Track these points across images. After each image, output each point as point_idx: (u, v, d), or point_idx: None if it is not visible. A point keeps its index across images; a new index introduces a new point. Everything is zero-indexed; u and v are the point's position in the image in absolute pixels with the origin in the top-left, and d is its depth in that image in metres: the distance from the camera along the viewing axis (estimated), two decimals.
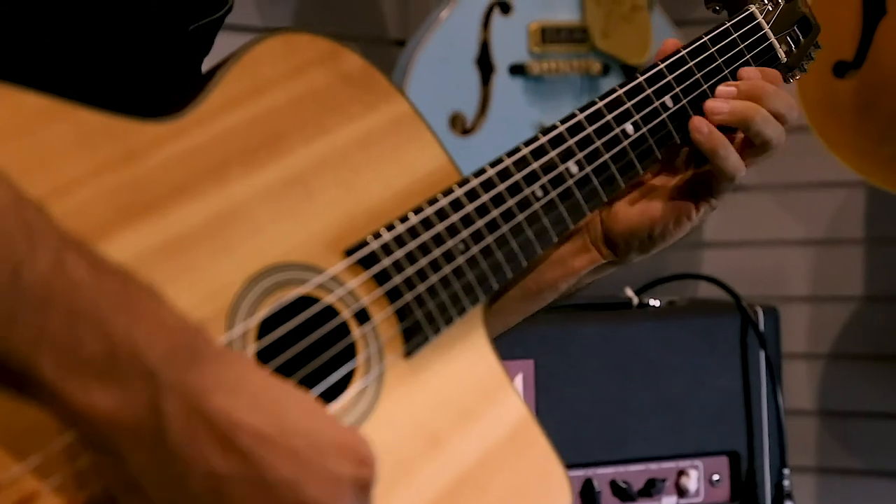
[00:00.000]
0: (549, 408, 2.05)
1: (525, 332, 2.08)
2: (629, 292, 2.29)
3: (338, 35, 3.28)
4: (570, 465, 2.09)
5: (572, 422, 2.07)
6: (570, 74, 2.70)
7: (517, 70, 2.67)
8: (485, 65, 2.67)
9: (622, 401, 2.11)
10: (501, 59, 2.67)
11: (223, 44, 1.04)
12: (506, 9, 2.68)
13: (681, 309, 2.27)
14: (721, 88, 1.18)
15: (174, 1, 1.05)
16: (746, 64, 1.21)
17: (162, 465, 0.77)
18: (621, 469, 2.12)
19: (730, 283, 2.30)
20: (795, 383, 2.85)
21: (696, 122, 1.16)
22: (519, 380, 2.04)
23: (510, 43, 2.67)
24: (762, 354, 2.21)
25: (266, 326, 0.92)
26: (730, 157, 1.17)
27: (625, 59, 2.70)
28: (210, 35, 1.11)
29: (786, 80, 1.27)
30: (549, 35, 2.69)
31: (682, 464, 2.16)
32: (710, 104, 1.17)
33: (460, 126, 2.64)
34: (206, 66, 1.05)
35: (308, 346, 0.93)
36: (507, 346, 2.08)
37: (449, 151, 1.06)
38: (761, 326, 2.22)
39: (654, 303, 2.27)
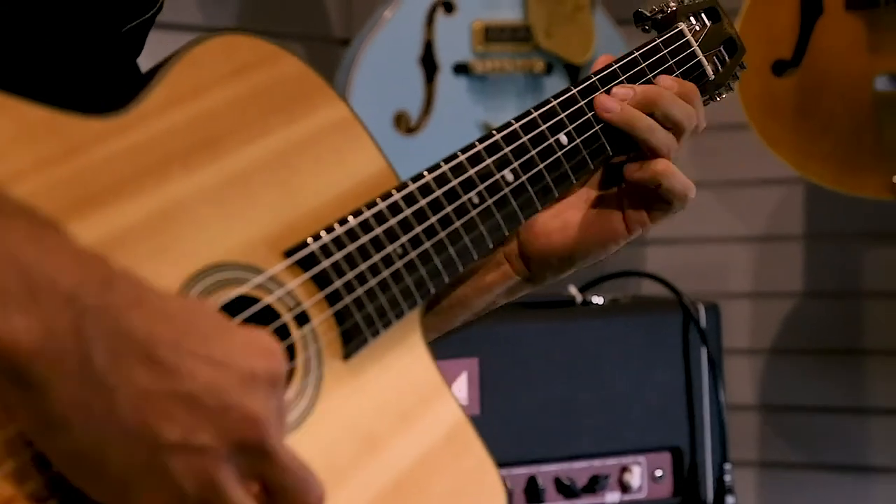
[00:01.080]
0: (493, 406, 2.06)
1: (469, 330, 2.09)
2: (573, 290, 2.31)
3: (282, 34, 3.26)
4: (514, 463, 2.12)
5: (516, 419, 2.08)
6: (513, 73, 2.71)
7: (461, 69, 2.68)
8: (429, 64, 2.67)
9: (566, 398, 2.12)
10: (445, 58, 2.68)
11: (165, 42, 1.04)
12: (449, 8, 2.69)
13: (624, 306, 2.29)
14: (617, 90, 1.17)
15: (106, 4, 1.05)
16: None
17: (89, 391, 0.77)
18: (565, 466, 2.13)
19: (672, 280, 2.32)
20: (737, 378, 2.88)
21: (602, 100, 1.16)
22: (463, 378, 2.04)
23: (454, 42, 2.68)
24: (704, 351, 2.23)
25: None
26: (655, 131, 1.16)
27: (568, 59, 2.72)
28: (142, 35, 1.11)
29: (712, 99, 1.29)
30: (492, 34, 2.70)
31: (625, 460, 2.18)
32: (601, 98, 1.16)
33: (405, 125, 2.64)
34: (144, 64, 1.05)
35: None
36: (451, 345, 2.09)
37: (387, 155, 1.06)
38: (703, 323, 2.24)
39: (598, 300, 2.29)
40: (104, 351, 0.78)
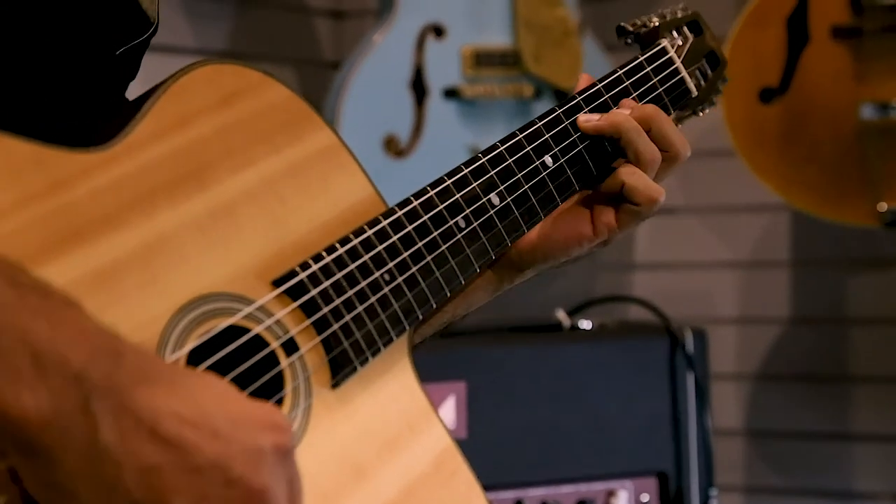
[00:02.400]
0: (480, 429, 2.06)
1: (457, 354, 2.10)
2: (560, 314, 2.31)
3: (272, 57, 3.27)
4: (501, 486, 2.12)
5: (503, 443, 2.09)
6: (502, 98, 2.72)
7: (451, 93, 2.69)
8: (418, 88, 2.69)
9: (553, 422, 2.13)
10: (435, 82, 2.69)
11: (158, 65, 1.04)
12: (439, 33, 2.70)
13: (611, 331, 2.30)
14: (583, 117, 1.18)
15: (101, 26, 1.05)
16: (659, 97, 1.22)
17: (96, 464, 0.78)
18: (552, 490, 2.14)
19: (660, 305, 2.33)
20: (723, 403, 2.88)
21: (582, 117, 1.17)
22: (451, 401, 2.05)
23: (444, 66, 2.69)
24: (690, 376, 2.24)
25: (195, 357, 0.92)
26: (642, 136, 1.15)
27: (556, 83, 2.73)
28: (137, 58, 1.11)
29: (695, 114, 1.29)
30: (482, 59, 2.71)
31: (611, 484, 2.18)
32: (581, 116, 1.17)
33: (394, 148, 2.65)
34: (136, 89, 1.05)
35: (237, 376, 0.93)
36: (439, 368, 2.10)
37: (377, 179, 1.07)
38: (689, 348, 2.25)
39: (585, 325, 2.30)
40: (111, 427, 0.78)
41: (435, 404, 2.19)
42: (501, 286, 1.22)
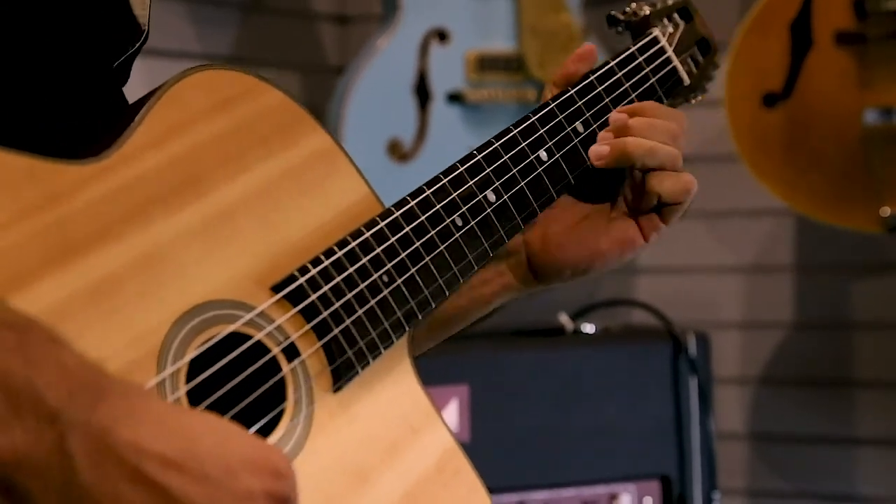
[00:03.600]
0: (483, 432, 2.07)
1: (460, 357, 2.10)
2: (564, 318, 2.32)
3: (277, 62, 3.27)
4: (504, 489, 2.12)
5: (506, 446, 2.09)
6: (506, 103, 2.73)
7: (454, 98, 2.70)
8: (422, 92, 2.69)
9: (556, 426, 2.13)
10: (439, 86, 2.69)
11: (164, 70, 1.04)
12: (443, 37, 2.71)
13: (614, 335, 2.30)
14: (601, 135, 1.15)
15: (94, 40, 1.04)
16: (653, 88, 1.21)
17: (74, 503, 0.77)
18: (555, 493, 2.14)
19: (663, 309, 2.33)
20: (727, 407, 2.88)
21: (593, 150, 1.15)
22: (454, 405, 2.05)
23: (448, 71, 2.70)
24: (693, 380, 2.24)
25: (197, 366, 0.91)
26: (656, 150, 1.14)
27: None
28: (128, 66, 1.09)
29: (687, 102, 1.27)
30: (486, 64, 2.72)
31: (614, 487, 2.19)
32: (592, 150, 1.15)
33: (398, 153, 2.66)
34: (140, 95, 1.04)
35: (238, 383, 0.93)
36: (442, 372, 2.11)
37: (380, 183, 1.06)
38: (692, 352, 2.25)
39: (588, 329, 2.30)
40: (89, 467, 0.77)
41: (438, 408, 2.19)
42: (531, 293, 1.21)
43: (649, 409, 2.21)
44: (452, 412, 2.05)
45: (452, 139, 2.69)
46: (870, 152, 2.47)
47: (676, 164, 1.15)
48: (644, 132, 1.15)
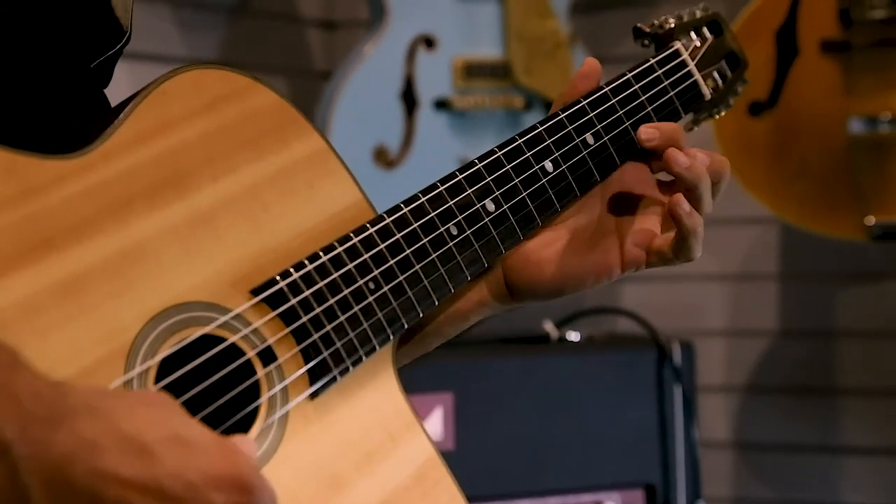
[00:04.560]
0: (468, 440, 2.06)
1: (444, 365, 2.10)
2: (549, 326, 2.32)
3: (263, 66, 3.27)
4: (488, 497, 2.12)
5: (491, 454, 2.09)
6: (493, 109, 2.73)
7: (441, 104, 2.70)
8: (409, 99, 2.69)
9: (540, 434, 2.13)
10: (426, 93, 2.69)
11: (149, 75, 1.03)
12: (430, 44, 2.70)
13: (599, 343, 2.30)
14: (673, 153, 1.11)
15: (74, 40, 1.03)
16: (670, 101, 1.18)
17: None
18: (539, 501, 2.14)
19: (648, 317, 2.34)
20: (712, 415, 2.88)
21: (673, 153, 1.10)
22: (438, 413, 2.05)
23: (434, 77, 2.70)
24: (678, 388, 2.24)
25: (168, 367, 0.90)
26: (708, 189, 1.11)
27: (547, 95, 2.73)
28: (110, 67, 1.08)
29: (711, 116, 1.24)
30: (472, 70, 2.72)
31: (599, 496, 2.18)
32: (681, 158, 1.10)
33: (384, 159, 2.66)
34: (116, 98, 1.03)
35: (211, 386, 0.91)
36: (426, 380, 2.10)
37: (367, 189, 1.04)
38: (677, 361, 2.25)
39: (573, 337, 2.30)
40: (45, 499, 0.76)
41: (422, 415, 2.18)
42: (507, 310, 1.18)
43: (634, 417, 2.21)
44: (437, 420, 2.05)
45: (439, 146, 2.68)
46: (855, 161, 2.48)
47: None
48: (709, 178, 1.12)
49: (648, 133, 1.13)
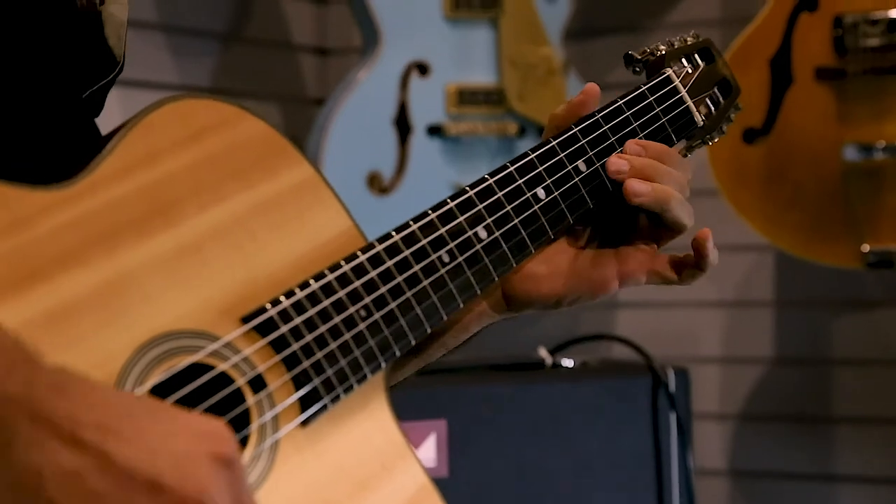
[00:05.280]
0: (461, 468, 2.05)
1: (438, 391, 2.09)
2: (543, 352, 2.31)
3: (256, 93, 3.27)
4: None
5: (485, 482, 2.08)
6: (486, 136, 2.73)
7: (434, 131, 2.70)
8: (402, 125, 2.69)
9: (534, 461, 2.12)
10: (419, 119, 2.70)
11: (141, 102, 1.02)
12: (423, 70, 2.71)
13: (593, 370, 2.29)
14: (618, 164, 1.14)
15: (66, 70, 1.03)
16: (662, 127, 1.19)
17: (15, 474, 0.76)
18: None
19: (643, 344, 2.33)
20: (707, 443, 2.88)
21: (633, 184, 1.12)
22: (432, 439, 2.04)
23: (428, 104, 2.70)
24: (672, 415, 2.23)
25: (158, 395, 0.89)
26: (683, 206, 1.14)
27: (541, 122, 2.74)
28: (102, 96, 1.08)
29: (704, 143, 1.25)
30: (466, 97, 2.72)
31: None
32: (633, 185, 1.12)
33: (378, 185, 2.65)
34: (107, 125, 1.03)
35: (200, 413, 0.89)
36: (419, 406, 2.09)
37: (360, 216, 1.03)
38: (672, 387, 2.24)
39: (568, 363, 2.29)
40: (28, 435, 0.76)
41: (415, 442, 2.17)
42: (493, 320, 1.19)
43: (628, 444, 2.20)
44: (430, 447, 2.04)
45: (432, 172, 2.68)
46: (850, 188, 2.48)
47: (691, 219, 1.15)
48: (664, 179, 1.14)
49: (617, 165, 1.14)
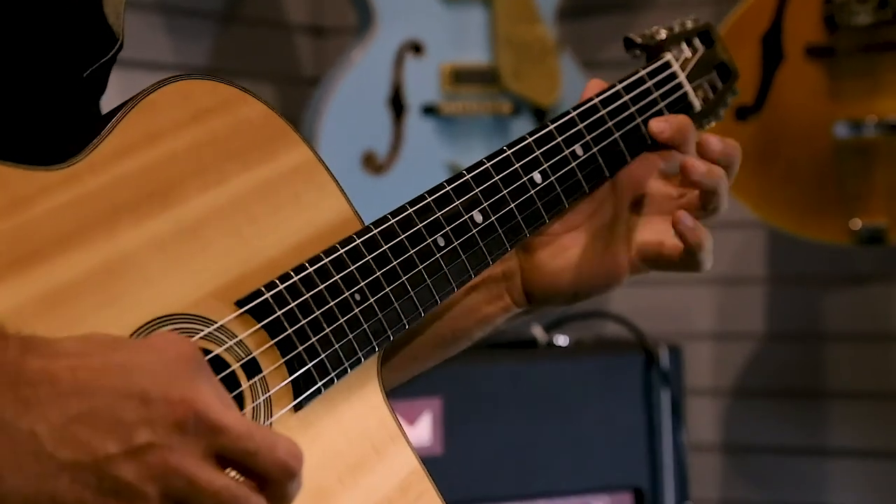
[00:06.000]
0: (456, 445, 2.07)
1: (433, 370, 2.10)
2: (537, 330, 2.33)
3: (253, 73, 3.27)
4: (477, 501, 2.12)
5: (480, 458, 2.10)
6: (481, 115, 2.74)
7: (429, 110, 2.71)
8: (397, 105, 2.70)
9: (529, 438, 2.14)
10: (414, 99, 2.70)
11: (139, 82, 1.02)
12: (418, 50, 2.72)
13: (587, 348, 2.31)
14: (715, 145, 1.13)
15: (66, 49, 1.02)
16: (659, 112, 1.18)
17: (8, 441, 0.76)
18: None
19: (637, 321, 2.35)
20: (700, 418, 2.90)
21: (692, 162, 1.12)
22: (427, 417, 2.06)
23: (422, 83, 2.71)
24: (665, 392, 2.25)
25: None
26: (724, 193, 1.14)
27: (535, 101, 2.75)
28: (104, 75, 1.07)
29: (700, 127, 1.23)
30: (460, 76, 2.73)
31: (587, 499, 2.19)
32: (700, 167, 1.12)
33: (373, 165, 2.67)
34: (106, 105, 1.03)
35: None
36: (414, 385, 2.10)
37: (355, 195, 1.02)
38: (665, 364, 2.26)
39: (562, 341, 2.31)
40: (11, 402, 0.77)
41: (410, 420, 2.19)
42: (530, 315, 1.19)
43: (622, 421, 2.22)
44: (426, 425, 2.06)
45: (427, 151, 2.70)
46: (840, 165, 2.49)
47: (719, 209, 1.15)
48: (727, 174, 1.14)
49: (660, 126, 1.14)
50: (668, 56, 1.21)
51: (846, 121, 2.47)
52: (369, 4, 2.68)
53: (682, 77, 1.20)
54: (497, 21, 2.74)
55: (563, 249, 1.16)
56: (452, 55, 2.73)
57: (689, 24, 1.25)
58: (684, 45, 1.23)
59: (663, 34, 1.22)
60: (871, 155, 2.47)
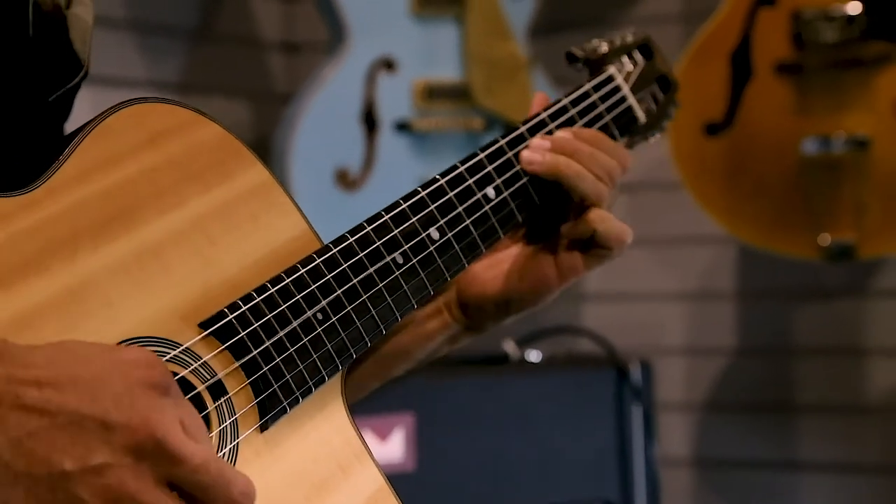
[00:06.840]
0: (429, 461, 2.07)
1: (405, 385, 2.11)
2: (510, 345, 2.33)
3: (225, 90, 3.26)
4: None
5: (452, 474, 2.10)
6: (453, 131, 2.75)
7: (402, 126, 2.72)
8: (370, 121, 2.70)
9: (501, 453, 2.14)
10: (386, 115, 2.71)
11: (110, 98, 1.02)
12: (390, 66, 2.72)
13: (558, 363, 2.32)
14: (534, 141, 1.14)
15: (32, 74, 1.03)
16: (605, 126, 1.19)
17: None
18: None
19: (608, 335, 2.36)
20: (671, 433, 2.91)
21: (524, 154, 1.13)
22: (399, 433, 2.06)
23: (395, 99, 2.72)
24: (637, 407, 2.26)
25: None
26: (584, 176, 1.13)
27: (507, 116, 2.76)
28: (69, 100, 1.08)
29: (644, 139, 1.26)
30: (433, 92, 2.74)
31: None
32: (524, 154, 1.14)
33: (346, 181, 2.67)
34: (77, 123, 1.03)
35: None
36: (387, 400, 2.12)
37: (328, 211, 1.04)
38: (636, 380, 2.27)
39: (534, 357, 2.32)
40: None
41: (382, 436, 2.18)
42: (473, 334, 1.20)
43: (594, 436, 2.23)
44: (398, 441, 2.06)
45: (400, 168, 2.70)
46: (809, 181, 2.51)
47: (601, 200, 1.14)
48: (582, 159, 1.14)
49: (529, 157, 1.15)
50: (612, 69, 1.22)
51: (815, 137, 2.50)
52: (342, 21, 2.69)
53: (626, 90, 1.22)
54: (469, 37, 2.75)
55: (497, 262, 1.18)
56: (425, 71, 2.74)
57: (630, 38, 1.27)
58: (625, 59, 1.24)
59: (605, 47, 1.24)
60: (840, 170, 2.49)
